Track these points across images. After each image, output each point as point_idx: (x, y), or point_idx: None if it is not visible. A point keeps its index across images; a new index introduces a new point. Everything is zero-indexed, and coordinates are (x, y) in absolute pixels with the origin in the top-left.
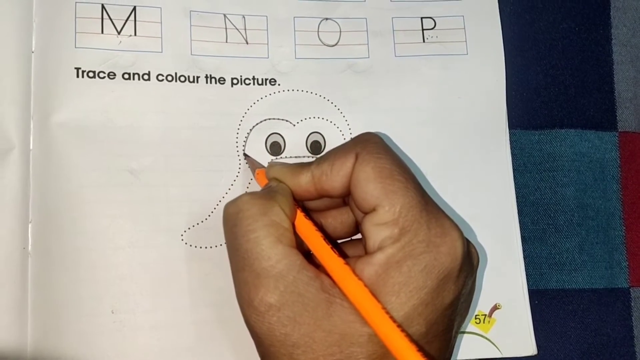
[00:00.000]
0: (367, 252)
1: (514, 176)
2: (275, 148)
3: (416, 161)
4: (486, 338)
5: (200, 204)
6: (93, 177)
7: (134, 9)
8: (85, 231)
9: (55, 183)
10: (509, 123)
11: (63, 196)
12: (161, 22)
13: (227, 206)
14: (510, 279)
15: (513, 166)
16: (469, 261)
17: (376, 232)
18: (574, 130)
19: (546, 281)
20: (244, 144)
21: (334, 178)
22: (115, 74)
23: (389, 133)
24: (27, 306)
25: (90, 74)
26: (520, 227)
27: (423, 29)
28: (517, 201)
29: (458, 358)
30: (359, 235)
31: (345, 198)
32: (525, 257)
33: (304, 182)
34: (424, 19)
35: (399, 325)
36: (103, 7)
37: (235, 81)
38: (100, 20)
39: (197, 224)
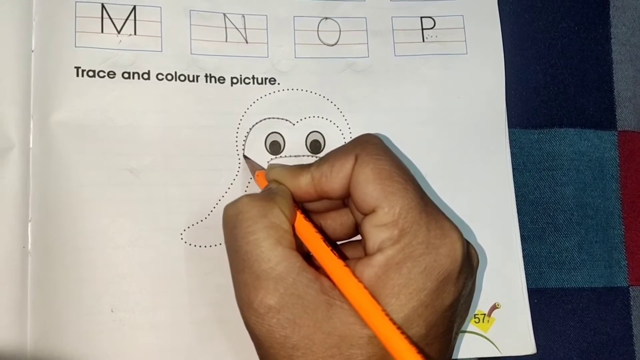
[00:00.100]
0: (366, 254)
1: (514, 175)
2: (275, 147)
3: (415, 160)
4: (485, 337)
5: (199, 203)
6: (93, 176)
7: (134, 8)
8: (85, 230)
9: (55, 182)
10: (508, 122)
11: (63, 195)
12: (161, 22)
13: (227, 208)
14: (509, 278)
15: (512, 165)
16: (469, 262)
17: (376, 233)
18: (573, 129)
19: (545, 280)
20: (243, 143)
21: (334, 180)
22: (115, 73)
23: (388, 132)
24: (27, 305)
25: (90, 73)
26: (519, 226)
27: (423, 29)
28: (516, 200)
29: (457, 357)
30: (358, 237)
31: (345, 199)
32: (524, 256)
33: (303, 184)
34: (423, 19)
35: (398, 327)
36: (103, 6)
37: (235, 80)
38: (100, 19)
39: (197, 223)
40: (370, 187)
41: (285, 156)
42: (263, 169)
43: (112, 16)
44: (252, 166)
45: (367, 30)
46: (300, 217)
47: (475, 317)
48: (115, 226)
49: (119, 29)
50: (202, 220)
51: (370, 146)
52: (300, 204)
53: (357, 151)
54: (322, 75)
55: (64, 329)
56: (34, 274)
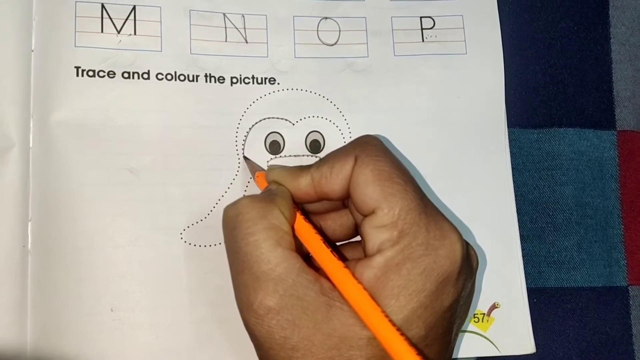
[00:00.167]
0: (366, 255)
1: (513, 175)
2: (275, 147)
3: (415, 160)
4: (485, 337)
5: (199, 202)
6: (93, 175)
7: (134, 8)
8: (85, 229)
9: (55, 181)
10: (507, 122)
11: (63, 194)
12: (161, 21)
13: (227, 209)
14: (509, 278)
15: (512, 165)
16: (468, 264)
17: (375, 234)
18: (572, 129)
19: (545, 280)
20: (243, 142)
21: (334, 181)
22: (115, 73)
23: (388, 132)
24: (27, 304)
25: (90, 73)
26: (519, 225)
27: (422, 29)
28: (515, 200)
29: (457, 357)
30: (358, 238)
31: (345, 201)
32: (524, 256)
33: (303, 185)
34: (423, 19)
35: (398, 329)
36: (103, 6)
37: (234, 80)
38: (100, 19)
39: (197, 222)
40: (370, 188)
41: (285, 156)
42: (263, 170)
43: (112, 16)
44: (252, 167)
45: (366, 30)
46: (300, 218)
47: (474, 317)
48: (115, 226)
49: (118, 28)
50: (201, 220)
51: (369, 147)
52: (300, 205)
53: (357, 152)
54: (322, 75)
55: (64, 328)
56: (34, 273)
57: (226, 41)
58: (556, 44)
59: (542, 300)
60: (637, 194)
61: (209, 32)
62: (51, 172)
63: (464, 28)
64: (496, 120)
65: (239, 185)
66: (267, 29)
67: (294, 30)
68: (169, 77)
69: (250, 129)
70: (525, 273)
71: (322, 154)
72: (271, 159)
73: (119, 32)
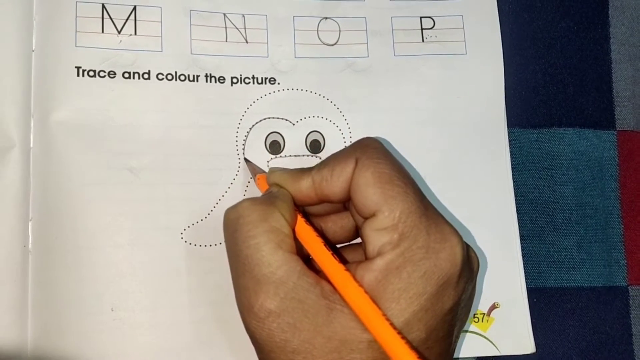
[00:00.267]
0: (367, 258)
1: (513, 175)
2: (275, 147)
3: (415, 160)
4: (485, 337)
5: (199, 202)
6: (93, 175)
7: (134, 8)
8: (86, 229)
9: (55, 181)
10: (507, 122)
11: (63, 194)
12: (161, 22)
13: (228, 212)
14: (509, 278)
15: (512, 165)
16: (469, 266)
17: (376, 237)
18: (572, 129)
19: (545, 279)
20: (243, 142)
21: (334, 183)
22: (115, 73)
23: (388, 132)
24: (28, 304)
25: (91, 73)
26: (518, 225)
27: (422, 29)
28: (515, 200)
29: (457, 357)
30: (359, 240)
31: (346, 203)
32: (523, 256)
33: (304, 188)
34: (423, 19)
35: (399, 332)
36: (103, 6)
37: (235, 80)
38: (101, 19)
39: (197, 222)
40: (371, 191)
41: (285, 156)
42: (264, 172)
43: (112, 16)
44: (253, 169)
45: (366, 30)
46: (300, 221)
47: (474, 317)
48: (115, 225)
49: (119, 29)
50: (202, 220)
51: (370, 150)
52: (301, 208)
53: (358, 155)
54: (322, 75)
55: (64, 327)
56: (35, 273)
57: (226, 41)
58: (556, 44)
59: (542, 300)
60: (636, 194)
61: (209, 32)
62: (52, 172)
63: (463, 28)
64: (496, 120)
65: (239, 185)
66: (267, 29)
67: (294, 30)
68: (169, 77)
69: (250, 129)
70: (525, 273)
71: (322, 154)
72: (271, 158)
73: (119, 32)
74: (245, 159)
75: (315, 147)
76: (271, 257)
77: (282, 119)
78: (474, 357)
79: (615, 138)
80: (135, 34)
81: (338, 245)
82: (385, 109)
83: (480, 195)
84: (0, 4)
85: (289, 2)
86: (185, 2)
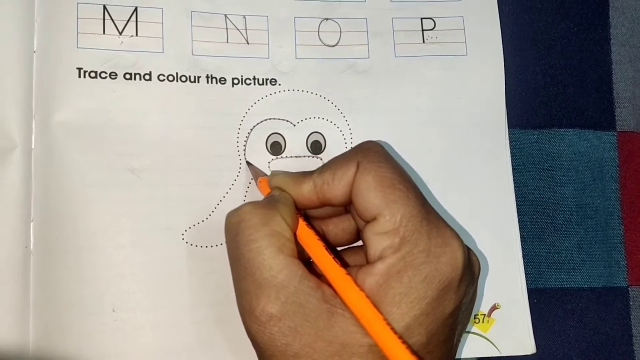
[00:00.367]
0: (368, 261)
1: (513, 175)
2: (276, 148)
3: (415, 161)
4: (485, 338)
5: (200, 203)
6: (94, 176)
7: (136, 9)
8: (87, 230)
9: (56, 182)
10: (508, 122)
11: (64, 195)
12: (162, 23)
13: (229, 215)
14: (509, 279)
15: (512, 165)
16: (470, 270)
17: (377, 241)
18: (572, 129)
19: (545, 280)
20: (244, 143)
21: (336, 187)
22: (116, 74)
23: (388, 133)
24: (29, 304)
25: (92, 74)
26: (519, 226)
27: (423, 30)
28: (516, 200)
29: (457, 357)
30: (360, 242)
31: (347, 206)
32: (524, 256)
33: (306, 191)
34: (423, 20)
35: (399, 336)
36: (105, 7)
37: (236, 81)
38: (102, 20)
39: (198, 223)
40: (372, 195)
41: (286, 157)
42: (266, 175)
43: (113, 17)
44: (255, 172)
45: (367, 31)
46: (302, 224)
47: (475, 318)
48: (116, 226)
49: (120, 30)
50: (203, 221)
51: (372, 153)
52: (302, 211)
53: (359, 158)
54: (323, 76)
55: (65, 328)
56: (36, 273)
57: (227, 42)
58: (556, 45)
59: (542, 301)
60: (637, 195)
61: (211, 33)
62: (53, 173)
63: (464, 29)
64: (496, 120)
65: (240, 186)
66: (268, 30)
67: (295, 31)
68: (170, 78)
69: (251, 129)
70: (525, 273)
71: (323, 155)
72: (272, 159)
73: (120, 33)
74: (247, 162)
75: (316, 148)
76: (272, 261)
77: (283, 119)
78: (475, 358)
79: (616, 139)
80: (137, 35)
81: (339, 248)
82: (385, 109)
83: (481, 196)
84: (2, 5)
85: (289, 3)
86: (186, 3)
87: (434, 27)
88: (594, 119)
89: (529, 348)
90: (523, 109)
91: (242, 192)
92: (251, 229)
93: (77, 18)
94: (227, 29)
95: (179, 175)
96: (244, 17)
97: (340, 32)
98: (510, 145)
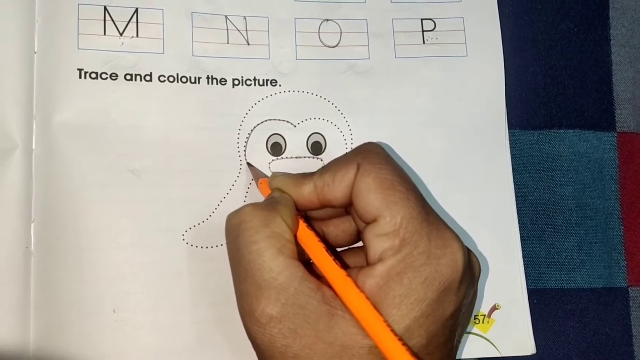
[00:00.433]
0: (368, 263)
1: (513, 176)
2: (276, 149)
3: (416, 162)
4: (485, 338)
5: (201, 204)
6: (95, 177)
7: (136, 10)
8: (87, 230)
9: (57, 183)
10: (508, 123)
11: (65, 196)
12: (163, 24)
13: (230, 217)
14: (509, 279)
15: (512, 166)
16: (470, 272)
17: (377, 242)
18: (572, 130)
19: (545, 281)
20: (245, 144)
21: (336, 188)
22: (117, 75)
23: (388, 134)
24: (30, 305)
25: (93, 75)
26: (519, 226)
27: (423, 31)
28: (516, 201)
29: (458, 358)
30: (360, 243)
31: (348, 207)
32: (524, 257)
33: (306, 193)
34: (424, 21)
35: (400, 338)
36: (105, 8)
37: (236, 82)
38: (103, 21)
39: (198, 223)
40: (372, 196)
41: (287, 157)
42: (266, 176)
43: (114, 18)
44: (256, 174)
45: (367, 32)
46: (302, 226)
47: (475, 318)
48: (117, 227)
49: (121, 31)
50: (203, 221)
51: (372, 155)
52: (303, 212)
53: (359, 160)
54: (323, 77)
55: (66, 329)
56: (37, 274)
57: (228, 43)
58: (556, 46)
59: (542, 301)
60: (637, 196)
61: (211, 34)
62: (54, 174)
63: (464, 30)
64: (497, 121)
65: (240, 187)
66: (268, 30)
67: (295, 32)
68: (171, 79)
69: (251, 130)
70: (525, 274)
71: (323, 156)
72: (273, 160)
73: (121, 34)
74: (248, 163)
75: (316, 148)
76: (273, 263)
77: (283, 120)
78: (475, 359)
79: (616, 140)
80: (137, 36)
81: (339, 249)
82: (386, 110)
83: (481, 197)
84: (2, 6)
85: (290, 4)
86: (186, 4)
87: (434, 28)
88: (594, 119)
89: (529, 348)
90: (523, 110)
91: (242, 192)
92: (252, 231)
93: (78, 19)
94: (227, 30)
95: (179, 176)
96: (245, 18)
97: (341, 33)
98: (510, 146)
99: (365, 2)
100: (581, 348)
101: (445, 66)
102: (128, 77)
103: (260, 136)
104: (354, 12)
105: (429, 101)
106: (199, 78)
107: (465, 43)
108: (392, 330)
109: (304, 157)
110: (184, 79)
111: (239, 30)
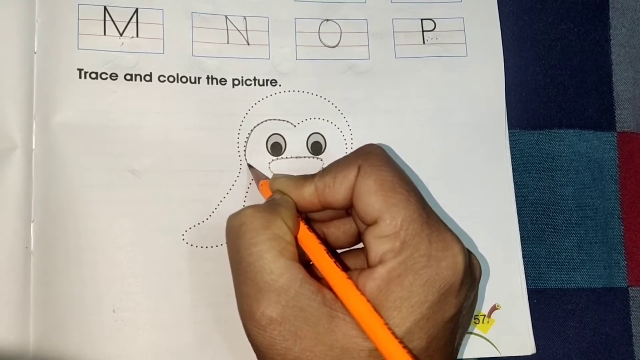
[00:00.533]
0: (369, 265)
1: (513, 176)
2: (276, 149)
3: (416, 162)
4: (485, 338)
5: (201, 203)
6: (95, 176)
7: (136, 10)
8: (87, 230)
9: (57, 183)
10: (508, 123)
11: (65, 196)
12: (163, 24)
13: (230, 219)
14: (509, 279)
15: (512, 166)
16: (471, 274)
17: (378, 245)
18: (572, 130)
19: (545, 280)
20: (245, 144)
21: (337, 190)
22: (117, 75)
23: (388, 134)
24: (30, 305)
25: (93, 75)
26: (519, 226)
27: (423, 31)
28: (516, 201)
29: (458, 358)
30: (361, 244)
31: (349, 209)
32: (524, 257)
33: (307, 195)
34: (424, 21)
35: (400, 341)
36: (105, 8)
37: (236, 82)
38: (103, 21)
39: (198, 223)
40: (373, 198)
41: (287, 157)
42: (267, 178)
43: (114, 18)
44: (257, 175)
45: (367, 32)
46: (303, 228)
47: (475, 319)
48: (117, 227)
49: (121, 31)
50: (203, 221)
51: (373, 157)
52: (303, 214)
53: (360, 162)
54: (323, 77)
55: (66, 328)
56: (37, 274)
57: (228, 43)
58: (556, 46)
59: (542, 301)
60: (637, 195)
61: (211, 34)
62: (53, 174)
63: (464, 30)
64: (497, 121)
65: (240, 187)
66: (268, 30)
67: (295, 32)
68: (171, 79)
69: (251, 130)
70: (525, 274)
71: (323, 156)
72: (272, 160)
73: (121, 34)
74: (249, 165)
75: (316, 148)
76: (273, 265)
77: (283, 120)
78: (475, 359)
79: (616, 139)
80: (137, 36)
81: (340, 251)
82: (386, 110)
83: (481, 197)
84: (2, 6)
85: (290, 4)
86: (186, 4)
87: (434, 28)
88: (594, 119)
89: (529, 348)
90: (523, 110)
91: (242, 192)
92: (252, 233)
93: (78, 19)
94: (227, 30)
95: (179, 175)
96: (245, 18)
97: (341, 33)
98: (511, 146)
99: (365, 2)
100: (581, 348)
101: (445, 66)
102: (128, 77)
103: (260, 136)
104: (354, 12)
105: (429, 101)
106: (199, 78)
107: (466, 43)
108: (393, 333)
109: (304, 157)
110: (184, 79)
111: (239, 30)
